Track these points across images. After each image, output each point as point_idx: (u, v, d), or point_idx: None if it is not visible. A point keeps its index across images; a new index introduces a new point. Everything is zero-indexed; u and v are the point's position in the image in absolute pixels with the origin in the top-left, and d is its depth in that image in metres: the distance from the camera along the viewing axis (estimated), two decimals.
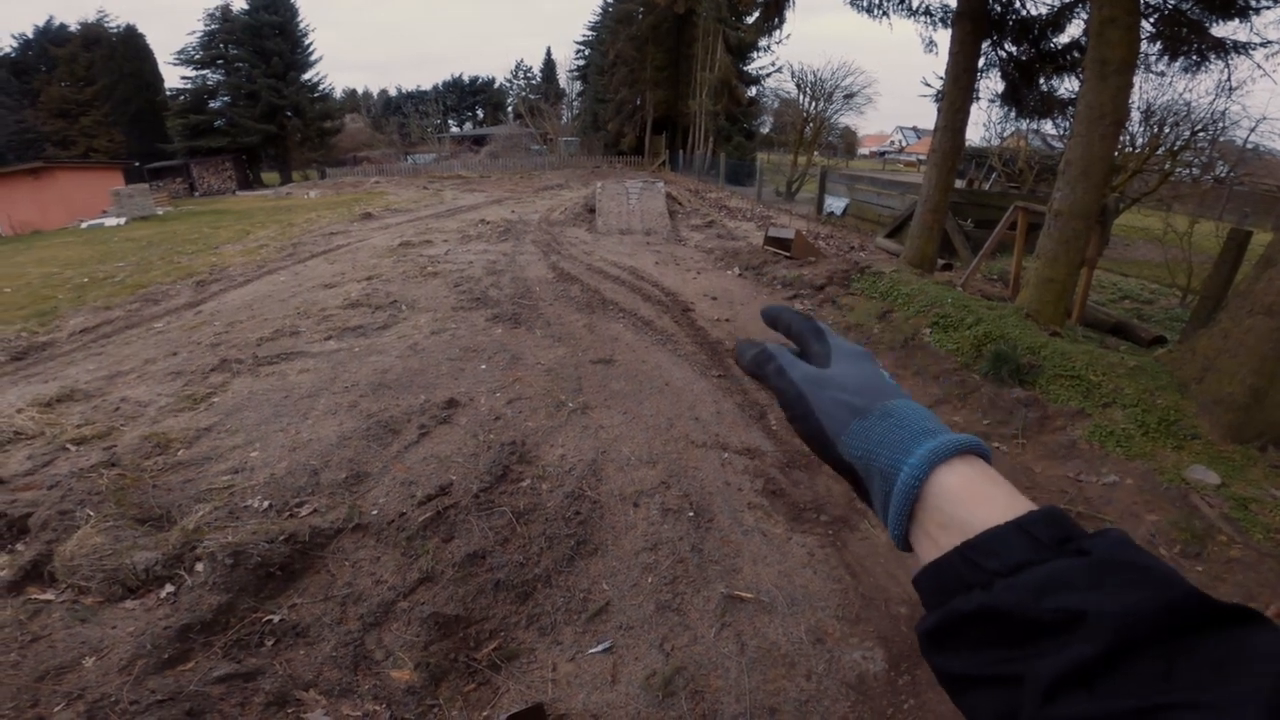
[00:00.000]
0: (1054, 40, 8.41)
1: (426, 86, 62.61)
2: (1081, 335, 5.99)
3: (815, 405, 0.43)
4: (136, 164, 28.06)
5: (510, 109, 56.60)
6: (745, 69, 28.24)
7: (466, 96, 62.10)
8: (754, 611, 2.65)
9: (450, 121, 59.19)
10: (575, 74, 42.47)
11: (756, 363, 0.47)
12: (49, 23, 35.38)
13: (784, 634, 2.54)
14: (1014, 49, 8.80)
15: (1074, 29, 8.11)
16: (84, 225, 17.43)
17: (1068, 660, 0.28)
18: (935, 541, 0.36)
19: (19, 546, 2.90)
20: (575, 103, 44.87)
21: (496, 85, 61.58)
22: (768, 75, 29.49)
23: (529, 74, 59.48)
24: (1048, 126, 11.94)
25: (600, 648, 2.47)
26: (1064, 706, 0.28)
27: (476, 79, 62.16)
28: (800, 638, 2.52)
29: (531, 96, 50.49)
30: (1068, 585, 0.30)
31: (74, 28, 34.90)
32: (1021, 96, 9.32)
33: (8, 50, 34.99)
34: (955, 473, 0.37)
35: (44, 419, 4.19)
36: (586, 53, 38.27)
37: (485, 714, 2.21)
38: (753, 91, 29.25)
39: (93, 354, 5.80)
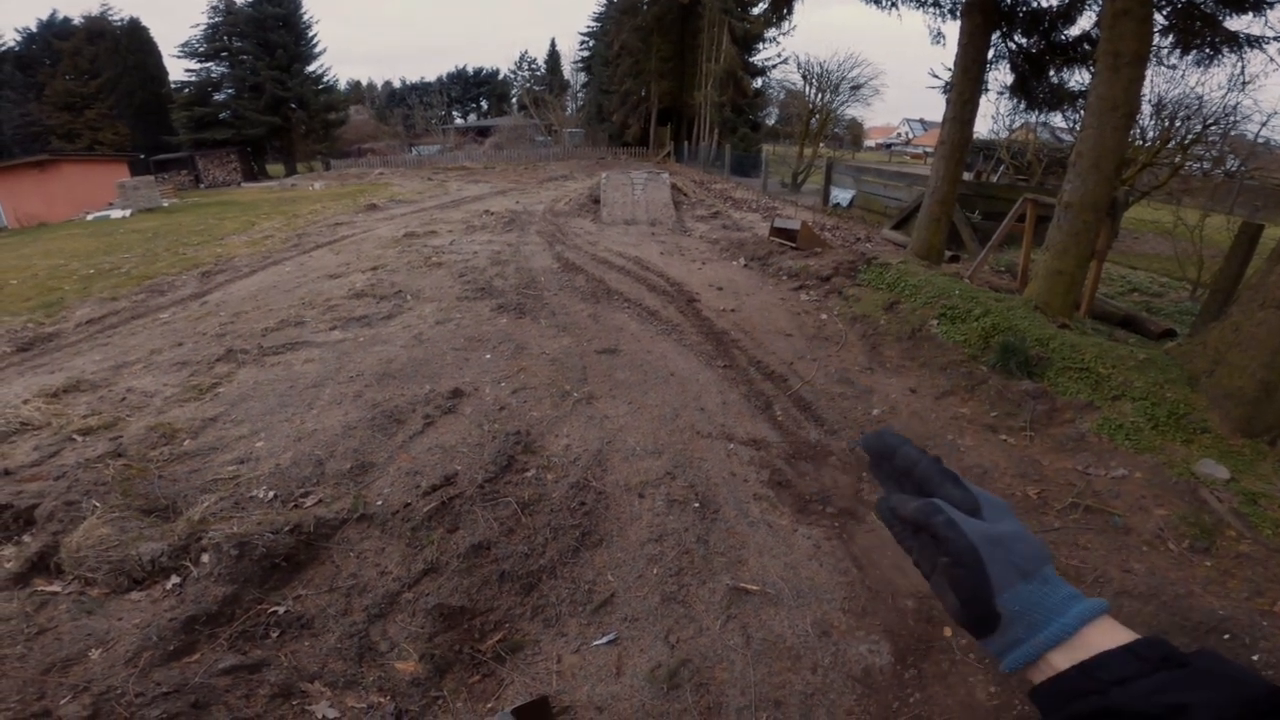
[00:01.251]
0: (1065, 32, 8.28)
1: (431, 78, 62.54)
2: (1090, 328, 5.94)
3: (987, 562, 0.47)
4: (142, 156, 28.15)
5: (515, 100, 56.44)
6: (751, 60, 28.05)
7: (471, 88, 61.87)
8: (759, 604, 2.64)
9: (455, 113, 59.01)
10: (580, 65, 42.20)
11: (923, 513, 0.50)
12: (53, 16, 35.33)
13: (790, 626, 2.53)
14: (1024, 41, 8.66)
15: (1085, 21, 8.00)
16: (90, 217, 17.48)
17: None
18: (1054, 667, 0.45)
19: (25, 538, 2.91)
20: (580, 94, 44.66)
21: (501, 77, 61.37)
22: (774, 67, 29.43)
23: (533, 65, 59.11)
24: (1057, 119, 11.84)
25: (605, 640, 2.46)
26: None
27: (481, 70, 61.91)
28: (806, 630, 2.51)
29: (536, 88, 50.20)
30: (1174, 688, 0.39)
31: (78, 21, 34.85)
32: (1031, 89, 9.19)
33: (12, 44, 35.00)
34: (1098, 628, 0.46)
35: (50, 410, 4.20)
36: (591, 44, 37.98)
37: (490, 706, 2.21)
38: (758, 83, 29.06)
39: (99, 345, 5.81)
